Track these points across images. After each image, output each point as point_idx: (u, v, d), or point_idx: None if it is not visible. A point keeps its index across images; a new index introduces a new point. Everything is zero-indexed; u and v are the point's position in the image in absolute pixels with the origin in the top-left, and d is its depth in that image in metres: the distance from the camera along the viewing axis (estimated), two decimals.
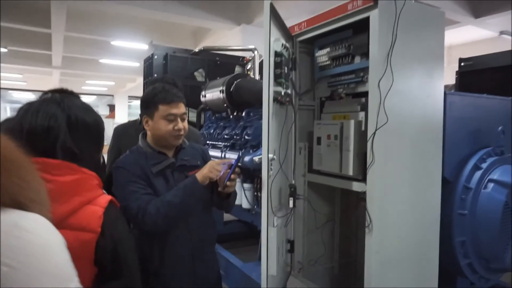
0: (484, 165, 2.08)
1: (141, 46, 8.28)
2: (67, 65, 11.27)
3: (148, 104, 1.66)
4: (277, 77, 1.71)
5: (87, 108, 1.09)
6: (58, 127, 0.98)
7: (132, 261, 1.04)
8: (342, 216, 2.39)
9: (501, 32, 7.56)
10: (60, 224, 0.89)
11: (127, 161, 1.64)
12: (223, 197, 1.71)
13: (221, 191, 1.67)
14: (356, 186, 1.82)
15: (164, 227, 1.57)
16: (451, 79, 5.10)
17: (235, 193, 1.79)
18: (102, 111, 20.27)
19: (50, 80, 14.01)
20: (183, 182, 1.60)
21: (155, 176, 1.61)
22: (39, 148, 0.94)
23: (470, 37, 9.25)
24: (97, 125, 1.09)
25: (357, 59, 1.88)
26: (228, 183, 1.63)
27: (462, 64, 4.85)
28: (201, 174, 1.59)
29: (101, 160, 1.25)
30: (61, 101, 1.03)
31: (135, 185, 1.56)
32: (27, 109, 1.00)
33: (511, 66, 4.27)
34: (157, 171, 1.62)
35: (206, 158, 1.81)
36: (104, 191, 1.08)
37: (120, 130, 2.21)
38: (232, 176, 1.63)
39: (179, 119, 1.64)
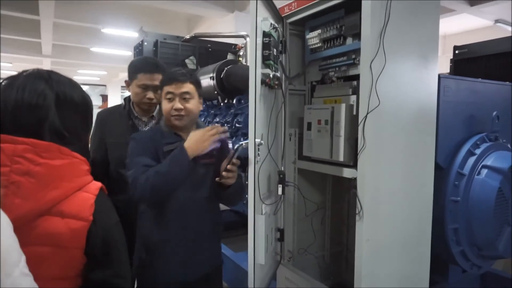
0: (478, 151, 2.03)
1: (134, 34, 8.11)
2: (57, 53, 11.05)
3: (160, 85, 1.76)
4: (265, 58, 1.64)
5: (75, 85, 1.01)
6: (47, 106, 0.91)
7: (123, 250, 1.00)
8: (333, 204, 2.34)
9: (496, 21, 7.50)
10: (50, 210, 0.86)
11: (143, 135, 1.78)
12: (223, 187, 1.67)
13: (220, 182, 1.64)
14: (347, 173, 1.76)
15: (153, 198, 1.60)
16: (445, 69, 5.06)
17: (237, 187, 1.72)
18: (95, 101, 20.01)
19: None
20: (172, 152, 1.62)
21: (165, 155, 1.65)
22: (24, 127, 0.88)
23: (465, 26, 9.18)
24: (85, 103, 1.02)
25: (349, 41, 1.81)
26: (224, 173, 1.59)
27: (457, 52, 4.81)
28: (193, 147, 1.59)
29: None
30: (49, 77, 0.95)
31: (141, 158, 1.62)
32: (10, 84, 0.91)
33: (506, 53, 4.24)
34: (168, 150, 1.65)
35: (224, 146, 1.78)
36: None
37: (104, 115, 2.12)
38: (229, 166, 1.59)
39: (177, 99, 1.67)
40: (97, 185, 0.97)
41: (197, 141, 1.60)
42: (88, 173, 0.97)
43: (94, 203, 0.91)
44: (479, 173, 2.00)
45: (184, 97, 1.67)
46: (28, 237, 0.81)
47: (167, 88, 1.68)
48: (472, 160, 2.02)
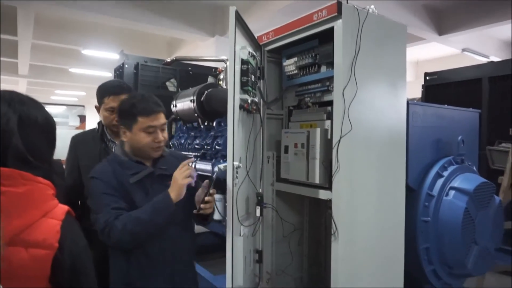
0: (445, 173, 2.15)
1: (113, 56, 8.13)
2: (34, 74, 10.90)
3: (126, 115, 1.57)
4: (243, 84, 1.71)
5: (38, 105, 0.97)
6: (10, 131, 0.87)
7: (91, 274, 0.96)
8: (310, 225, 2.39)
9: (464, 49, 7.96)
10: (13, 240, 0.81)
11: (103, 170, 1.56)
12: (203, 218, 1.67)
13: (199, 213, 1.61)
14: (323, 194, 1.82)
15: (131, 244, 1.50)
16: (419, 93, 5.32)
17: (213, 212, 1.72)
18: (72, 122, 19.69)
19: (16, 89, 13.46)
20: (155, 198, 1.51)
21: (133, 187, 1.54)
22: None
23: (436, 53, 9.69)
24: (49, 124, 0.98)
25: (323, 69, 1.91)
26: (202, 205, 1.57)
27: (428, 78, 5.08)
28: (177, 187, 1.50)
29: (60, 167, 1.16)
30: (11, 99, 0.92)
31: (108, 198, 1.49)
32: None
33: (472, 80, 4.52)
34: (135, 181, 1.54)
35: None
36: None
37: (77, 139, 2.14)
38: (207, 198, 1.58)
39: (158, 131, 1.58)
40: (63, 209, 0.93)
41: (177, 185, 1.51)
42: (53, 197, 0.93)
43: (60, 229, 0.87)
44: (447, 194, 2.10)
45: (163, 128, 1.61)
46: None
47: (145, 121, 1.54)
48: (440, 182, 2.12)
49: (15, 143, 0.88)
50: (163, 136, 1.60)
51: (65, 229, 0.88)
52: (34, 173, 0.89)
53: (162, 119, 1.60)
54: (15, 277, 0.82)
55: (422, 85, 5.13)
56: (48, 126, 0.98)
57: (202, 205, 1.56)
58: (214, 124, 3.50)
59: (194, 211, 1.60)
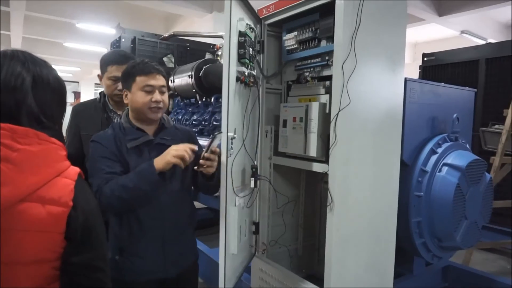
0: (439, 150, 2.19)
1: (110, 31, 7.99)
2: (27, 47, 10.59)
3: (127, 76, 1.65)
4: (240, 57, 1.71)
5: (49, 66, 1.00)
6: (25, 90, 0.89)
7: (101, 233, 1.02)
8: (306, 199, 2.44)
9: (462, 31, 7.93)
10: (30, 196, 0.85)
11: (104, 135, 1.62)
12: (207, 178, 1.66)
13: (204, 172, 1.61)
14: (319, 167, 1.86)
15: (121, 209, 1.55)
16: (416, 75, 5.34)
17: (219, 176, 1.68)
18: (67, 98, 19.46)
19: None
20: (140, 165, 1.52)
21: (130, 153, 1.58)
22: (0, 111, 0.86)
23: (435, 35, 9.64)
24: (60, 85, 1.01)
25: (323, 43, 1.92)
26: (201, 161, 1.57)
27: (425, 59, 5.09)
28: (163, 160, 1.48)
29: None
30: (25, 59, 0.93)
31: (104, 162, 1.54)
32: None
33: (469, 61, 4.53)
34: (132, 147, 1.59)
35: (193, 142, 1.74)
36: None
37: (79, 108, 2.14)
38: (206, 155, 1.57)
39: (157, 91, 1.62)
40: (75, 170, 0.97)
41: (172, 157, 1.48)
42: (65, 158, 0.97)
43: (73, 189, 0.92)
44: (440, 170, 2.16)
45: (162, 90, 1.65)
46: (9, 223, 0.83)
47: (143, 80, 1.60)
48: (434, 158, 2.17)
49: (29, 103, 0.90)
50: (162, 97, 1.63)
51: (78, 189, 0.93)
52: (47, 133, 0.92)
53: (161, 80, 1.65)
54: (32, 231, 0.87)
55: (420, 66, 5.15)
56: (59, 87, 1.00)
57: (201, 161, 1.56)
58: (212, 99, 3.51)
59: (195, 168, 1.61)
